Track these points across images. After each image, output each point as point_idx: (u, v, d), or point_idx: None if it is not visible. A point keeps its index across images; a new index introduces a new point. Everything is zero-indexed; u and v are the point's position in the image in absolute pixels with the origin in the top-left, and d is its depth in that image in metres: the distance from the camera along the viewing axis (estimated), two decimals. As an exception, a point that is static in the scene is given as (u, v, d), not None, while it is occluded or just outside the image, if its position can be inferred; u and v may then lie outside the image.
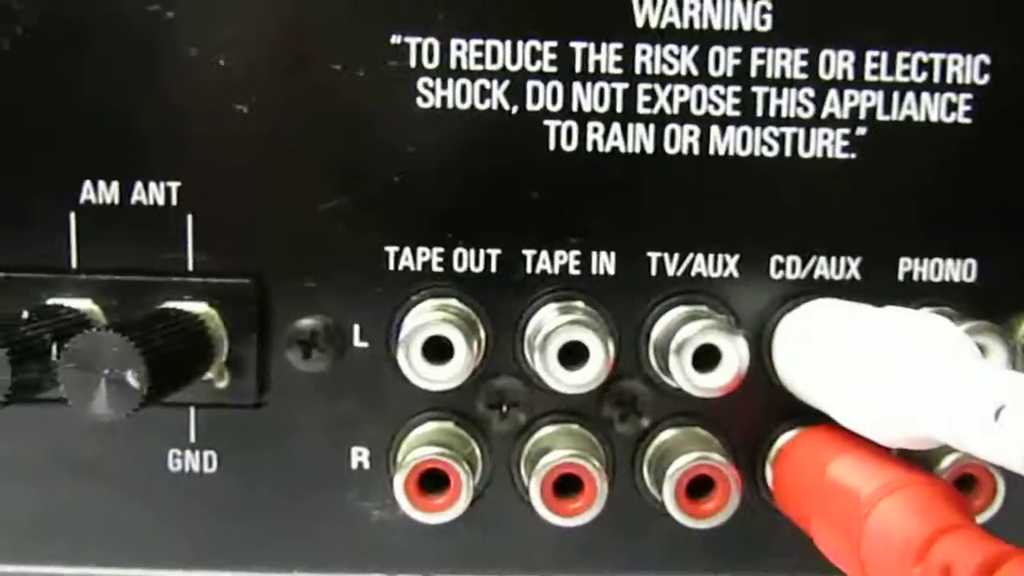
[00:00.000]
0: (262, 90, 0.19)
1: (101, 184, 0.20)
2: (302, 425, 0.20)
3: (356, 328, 0.20)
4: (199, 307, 0.19)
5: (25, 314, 0.17)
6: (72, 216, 0.20)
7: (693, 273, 0.20)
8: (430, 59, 0.19)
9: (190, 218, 0.20)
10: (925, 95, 0.20)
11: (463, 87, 0.20)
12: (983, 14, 0.20)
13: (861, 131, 0.20)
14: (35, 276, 0.20)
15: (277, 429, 0.20)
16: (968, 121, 0.20)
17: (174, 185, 0.20)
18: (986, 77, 0.20)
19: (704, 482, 0.19)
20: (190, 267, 0.20)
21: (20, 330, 0.16)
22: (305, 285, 0.20)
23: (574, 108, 0.20)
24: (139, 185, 0.20)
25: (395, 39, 0.19)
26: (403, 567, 0.21)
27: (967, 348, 0.15)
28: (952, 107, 0.20)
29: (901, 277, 0.21)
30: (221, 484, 0.20)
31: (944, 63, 0.20)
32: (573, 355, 0.19)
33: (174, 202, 0.20)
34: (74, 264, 0.20)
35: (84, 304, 0.19)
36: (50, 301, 0.19)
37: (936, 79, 0.20)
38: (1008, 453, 0.13)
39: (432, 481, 0.19)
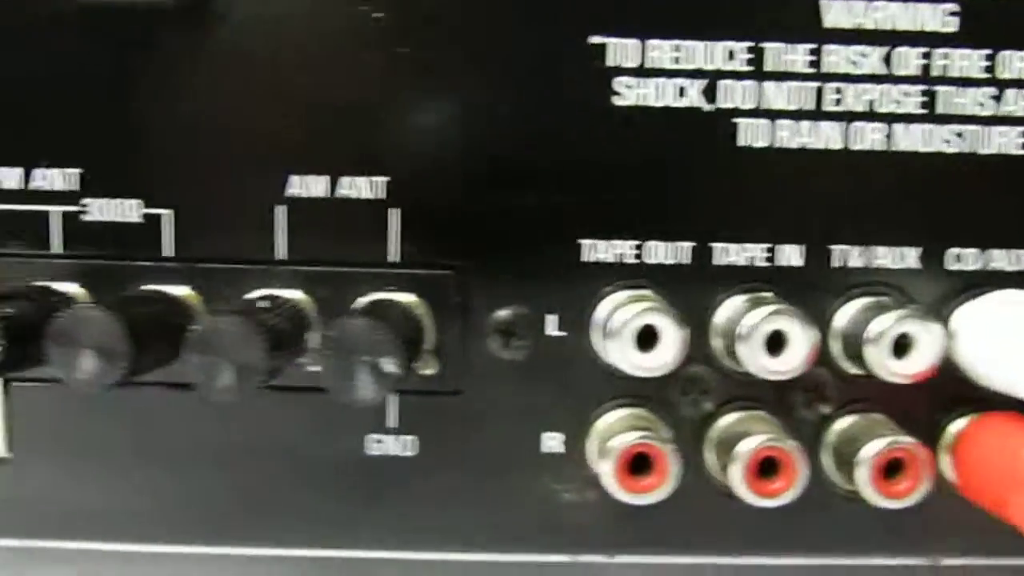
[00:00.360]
0: (468, 87, 0.20)
1: (309, 178, 0.20)
2: (497, 411, 0.21)
3: (552, 318, 0.21)
4: (408, 297, 0.20)
5: (267, 303, 0.18)
6: (280, 209, 0.20)
7: (875, 265, 0.21)
8: (627, 59, 0.20)
9: (397, 212, 0.20)
10: (1105, 94, 0.21)
11: (659, 85, 0.20)
12: None
13: (1037, 129, 0.21)
14: (245, 267, 0.20)
15: (474, 415, 0.21)
16: None
17: (382, 180, 0.20)
18: None
19: (894, 465, 0.20)
20: (396, 259, 0.21)
21: (267, 317, 0.17)
22: (504, 276, 0.21)
23: (764, 106, 0.21)
24: (346, 179, 0.20)
25: (594, 39, 0.20)
26: (591, 548, 0.22)
27: None
28: None
29: (1056, 268, 0.21)
30: (419, 468, 0.21)
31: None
32: (772, 344, 0.20)
33: (382, 196, 0.20)
34: (283, 255, 0.21)
35: (294, 294, 0.20)
36: (259, 292, 0.20)
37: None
38: None
39: (636, 465, 0.20)
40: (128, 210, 0.20)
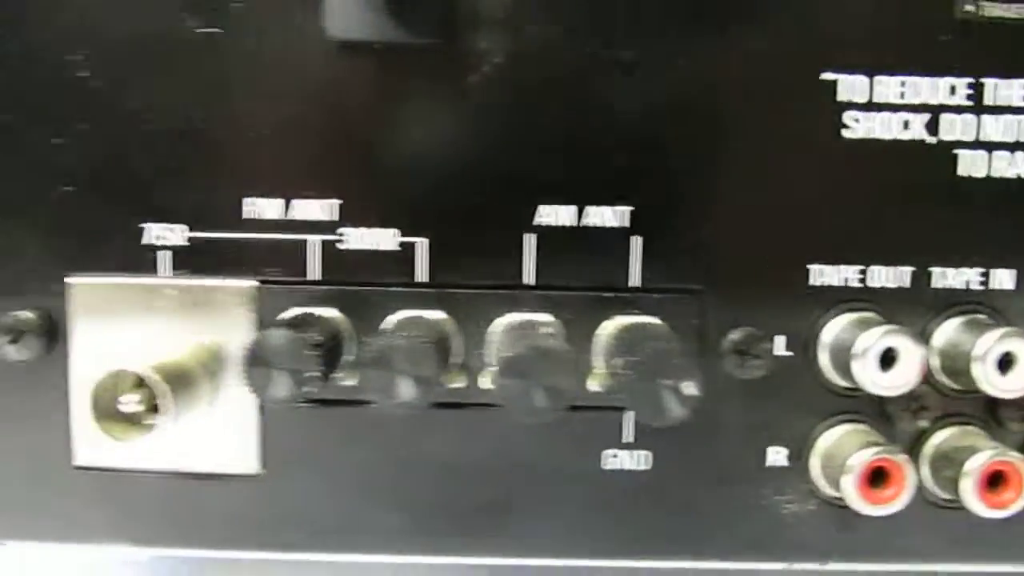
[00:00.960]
0: (710, 124, 0.21)
1: (557, 207, 0.21)
2: (728, 426, 0.22)
3: (780, 339, 0.22)
4: (651, 320, 0.21)
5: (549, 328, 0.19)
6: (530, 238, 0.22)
7: (1081, 288, 0.22)
8: (856, 93, 0.21)
9: (639, 240, 0.22)
10: None
11: (886, 119, 0.22)
12: None
13: None
14: (497, 292, 0.22)
15: (706, 430, 0.22)
16: None
17: (626, 209, 0.21)
18: None
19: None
20: (638, 283, 0.22)
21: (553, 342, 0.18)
22: (737, 300, 0.22)
23: (983, 138, 0.22)
24: (592, 209, 0.22)
25: (826, 76, 0.21)
26: (807, 556, 0.23)
27: None
28: None
29: None
30: (654, 481, 0.22)
31: None
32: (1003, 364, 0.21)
33: (626, 224, 0.21)
34: (532, 280, 0.22)
35: (543, 317, 0.21)
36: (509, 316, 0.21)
37: None
38: None
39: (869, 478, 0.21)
40: (384, 239, 0.22)
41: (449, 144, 0.21)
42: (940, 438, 0.22)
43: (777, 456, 0.22)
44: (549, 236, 0.21)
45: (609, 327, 0.21)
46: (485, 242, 0.21)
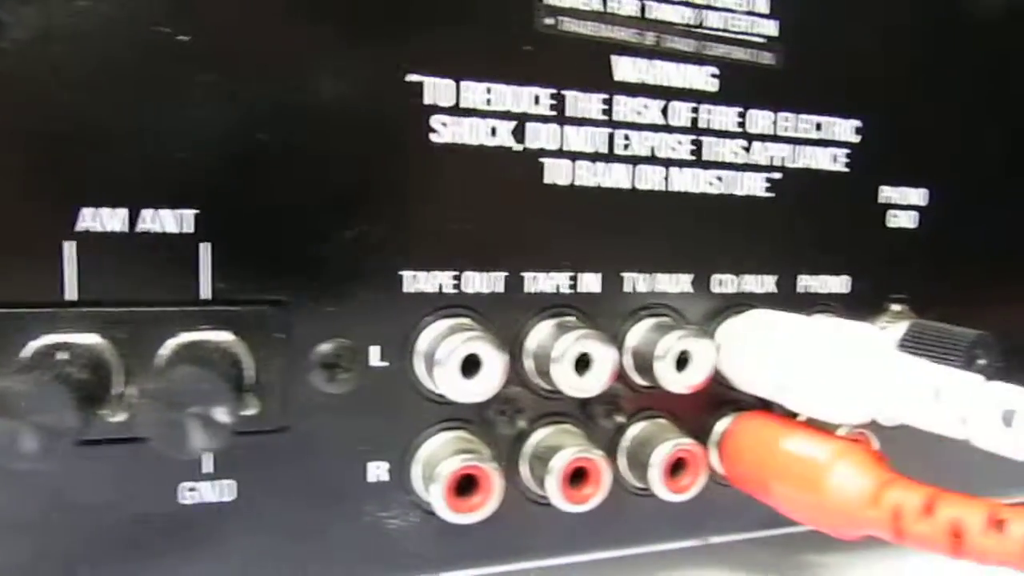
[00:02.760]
0: (282, 119, 0.20)
1: (102, 211, 0.18)
2: (322, 444, 0.21)
3: (375, 349, 0.21)
4: (224, 336, 0.19)
5: (65, 354, 0.16)
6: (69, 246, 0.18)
7: (658, 290, 0.24)
8: (444, 98, 0.21)
9: (208, 246, 0.19)
10: (818, 149, 0.26)
11: (474, 125, 0.21)
12: (857, 90, 0.26)
13: (776, 175, 0.25)
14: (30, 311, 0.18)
15: (298, 451, 0.20)
16: (845, 170, 0.26)
17: (190, 213, 0.19)
18: (858, 136, 0.26)
19: (678, 464, 0.23)
20: (208, 296, 0.19)
21: (68, 370, 0.15)
22: (326, 310, 0.20)
23: (567, 147, 0.23)
24: (148, 212, 0.19)
25: (412, 78, 0.21)
26: (418, 568, 0.22)
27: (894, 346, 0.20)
28: (835, 158, 0.26)
29: (800, 290, 0.26)
30: (243, 511, 0.20)
31: (831, 124, 0.26)
32: (579, 365, 0.21)
33: (190, 230, 0.19)
34: (73, 296, 0.18)
35: (88, 338, 0.18)
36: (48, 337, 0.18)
37: (825, 136, 0.26)
38: (947, 424, 0.18)
39: (459, 487, 0.21)
40: None
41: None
42: (537, 438, 0.23)
43: (378, 471, 0.21)
44: (94, 244, 0.19)
45: (175, 347, 0.19)
46: (15, 253, 0.18)
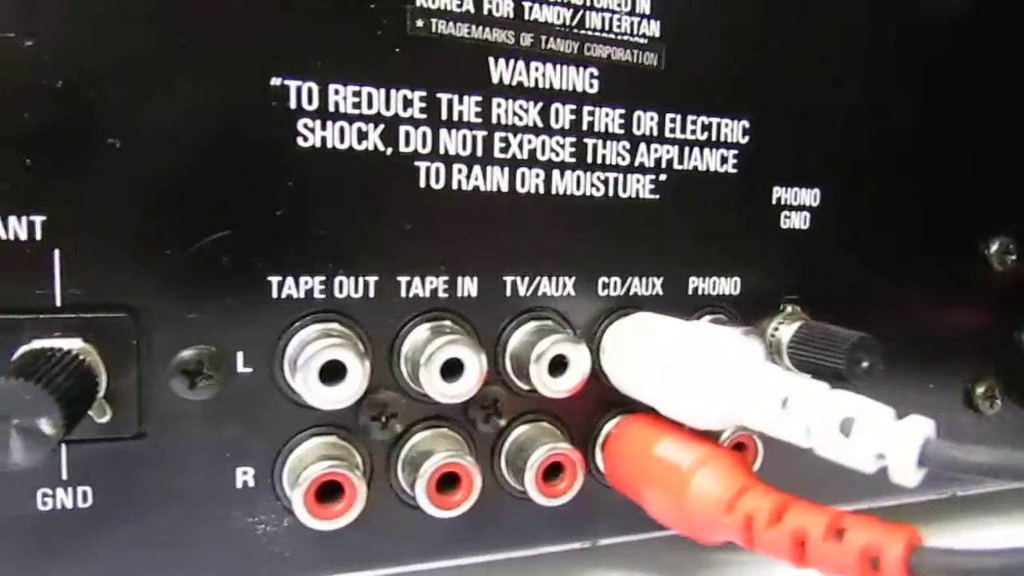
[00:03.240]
0: (137, 124, 0.19)
1: (-53, 217, 0.18)
2: (186, 450, 0.20)
3: (241, 355, 0.21)
4: (74, 343, 0.19)
5: None
6: (-89, 251, 0.18)
7: (540, 293, 0.24)
8: (309, 102, 0.21)
9: (58, 252, 0.19)
10: (707, 150, 0.26)
11: (341, 129, 0.21)
12: (744, 90, 0.26)
13: (663, 177, 0.25)
14: None
15: (159, 458, 0.20)
16: (735, 171, 0.26)
17: (39, 219, 0.19)
18: (746, 137, 0.26)
19: (555, 467, 0.23)
20: (58, 303, 0.19)
21: None
22: (188, 316, 0.20)
23: (441, 151, 0.22)
24: (-5, 218, 0.18)
25: (276, 81, 0.20)
26: (288, 572, 0.22)
27: (757, 353, 0.20)
28: (724, 160, 0.26)
29: (690, 292, 0.26)
30: (100, 518, 0.20)
31: (719, 125, 0.26)
32: (452, 369, 0.21)
33: (39, 236, 0.19)
34: (-84, 303, 0.18)
35: (-68, 346, 0.18)
36: None
37: (713, 137, 0.26)
38: (793, 433, 0.18)
39: (324, 492, 0.21)
40: None
41: None
42: (412, 443, 0.23)
43: (245, 476, 0.21)
44: (-63, 250, 0.18)
45: (17, 357, 0.18)
46: None
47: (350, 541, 0.22)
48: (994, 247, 0.31)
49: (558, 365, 0.22)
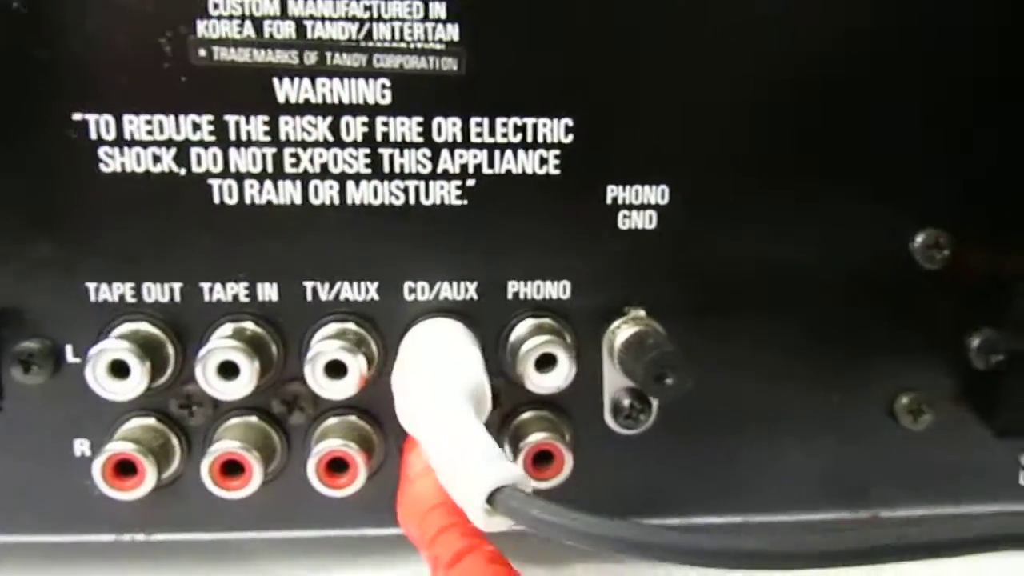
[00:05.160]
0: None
1: None
2: (34, 423, 0.25)
3: (69, 348, 0.25)
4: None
5: None
6: None
7: (342, 298, 0.25)
8: (107, 132, 0.24)
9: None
10: (521, 152, 0.25)
11: (137, 154, 0.24)
12: (566, 89, 0.24)
13: (471, 182, 0.25)
14: None
15: (12, 428, 0.25)
16: (557, 172, 0.25)
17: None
18: (570, 136, 0.25)
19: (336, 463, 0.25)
20: (-80, 301, 0.24)
21: None
22: (28, 315, 0.24)
23: (232, 169, 0.24)
24: None
25: (77, 117, 0.24)
26: (129, 529, 0.26)
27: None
28: (543, 161, 0.25)
29: (510, 296, 0.26)
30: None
31: (535, 126, 0.25)
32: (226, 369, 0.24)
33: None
34: None
35: None
36: None
37: (529, 139, 0.25)
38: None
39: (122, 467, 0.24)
40: None
41: None
42: (217, 430, 0.25)
43: (82, 447, 0.25)
44: None
45: None
46: None
47: (163, 504, 0.26)
48: (919, 240, 0.26)
49: (336, 368, 0.24)
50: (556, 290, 0.26)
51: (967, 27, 0.25)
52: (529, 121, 0.25)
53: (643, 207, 0.25)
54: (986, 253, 0.26)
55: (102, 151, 0.24)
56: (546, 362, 0.25)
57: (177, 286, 0.25)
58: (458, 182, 0.25)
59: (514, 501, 0.15)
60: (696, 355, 0.25)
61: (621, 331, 0.25)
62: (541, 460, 0.25)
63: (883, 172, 0.26)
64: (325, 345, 0.24)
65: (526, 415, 0.26)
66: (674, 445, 0.27)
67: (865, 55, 0.25)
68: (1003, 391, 0.28)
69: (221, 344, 0.23)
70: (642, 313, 0.26)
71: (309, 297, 0.25)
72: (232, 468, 0.24)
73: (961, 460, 0.29)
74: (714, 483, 0.28)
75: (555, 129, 0.25)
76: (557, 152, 0.25)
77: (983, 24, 0.25)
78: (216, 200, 0.24)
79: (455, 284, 0.25)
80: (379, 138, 0.24)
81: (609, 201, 0.25)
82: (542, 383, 0.24)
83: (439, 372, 0.21)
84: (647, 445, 0.27)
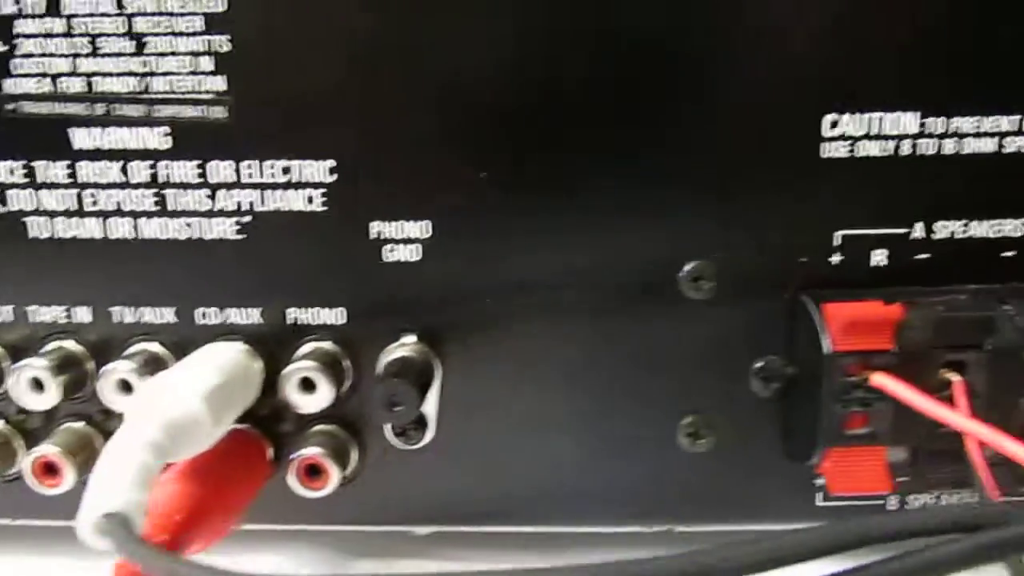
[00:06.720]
0: None
1: None
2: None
3: (-74, 360, 0.29)
4: None
5: None
6: None
7: (143, 321, 0.28)
8: (-59, 177, 0.27)
9: None
10: (290, 191, 0.27)
11: (-35, 196, 0.28)
12: (325, 131, 0.26)
13: (247, 219, 0.27)
14: None
15: None
16: (324, 209, 0.27)
17: None
18: (333, 176, 0.27)
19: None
20: None
21: None
22: None
23: (42, 207, 0.28)
24: None
25: (-84, 164, 0.27)
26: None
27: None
28: (310, 199, 0.27)
29: (290, 321, 0.28)
30: None
31: (299, 168, 0.27)
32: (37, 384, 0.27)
33: None
34: None
35: None
36: None
37: (295, 179, 0.27)
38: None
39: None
40: None
41: None
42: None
43: (-55, 443, 0.30)
44: None
45: None
46: None
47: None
48: (686, 269, 0.26)
49: (126, 386, 0.27)
50: (332, 316, 0.28)
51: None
52: (295, 163, 0.27)
53: (406, 241, 0.27)
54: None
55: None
56: (310, 385, 0.27)
57: (10, 308, 0.28)
58: (235, 219, 0.27)
59: (118, 531, 0.18)
60: (469, 379, 0.27)
61: (383, 357, 0.27)
62: (313, 472, 0.27)
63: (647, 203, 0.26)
64: (121, 364, 0.27)
65: (317, 427, 0.29)
66: (455, 459, 0.29)
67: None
68: (786, 417, 0.28)
69: (33, 363, 0.27)
70: (413, 339, 0.28)
71: (116, 319, 0.28)
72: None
73: (758, 480, 0.29)
74: (495, 495, 0.29)
75: (319, 170, 0.27)
76: (323, 191, 0.27)
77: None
78: (31, 235, 0.28)
79: (242, 311, 0.28)
80: (162, 180, 0.27)
81: (372, 236, 0.27)
82: (302, 404, 0.27)
83: (163, 388, 0.24)
84: (427, 459, 0.29)
